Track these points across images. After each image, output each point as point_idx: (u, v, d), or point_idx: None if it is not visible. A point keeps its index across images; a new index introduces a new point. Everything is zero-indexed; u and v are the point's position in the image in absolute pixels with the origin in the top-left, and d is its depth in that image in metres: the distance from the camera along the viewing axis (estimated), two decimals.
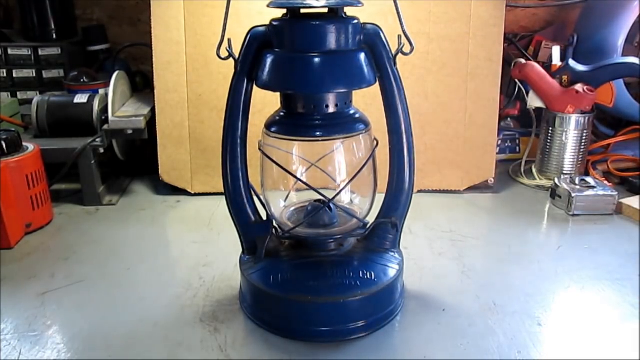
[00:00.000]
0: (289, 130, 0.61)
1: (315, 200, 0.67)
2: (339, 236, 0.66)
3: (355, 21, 0.57)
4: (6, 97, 1.13)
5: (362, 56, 0.57)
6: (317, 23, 0.55)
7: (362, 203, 0.69)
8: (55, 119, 0.96)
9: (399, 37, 0.58)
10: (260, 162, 0.65)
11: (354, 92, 0.61)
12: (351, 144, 0.64)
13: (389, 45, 0.59)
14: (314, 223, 0.66)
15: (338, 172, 0.68)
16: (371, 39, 0.58)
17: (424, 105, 0.98)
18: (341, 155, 0.66)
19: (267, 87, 0.58)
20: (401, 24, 0.57)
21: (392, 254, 0.67)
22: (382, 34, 0.58)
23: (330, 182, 0.68)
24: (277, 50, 0.57)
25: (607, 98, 1.07)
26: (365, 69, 0.57)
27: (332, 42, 0.55)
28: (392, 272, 0.64)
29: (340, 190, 0.65)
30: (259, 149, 0.63)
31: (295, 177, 0.64)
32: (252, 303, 0.65)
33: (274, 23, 0.57)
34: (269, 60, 0.57)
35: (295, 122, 0.61)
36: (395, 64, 0.59)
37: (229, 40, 0.58)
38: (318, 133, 0.60)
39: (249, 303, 0.65)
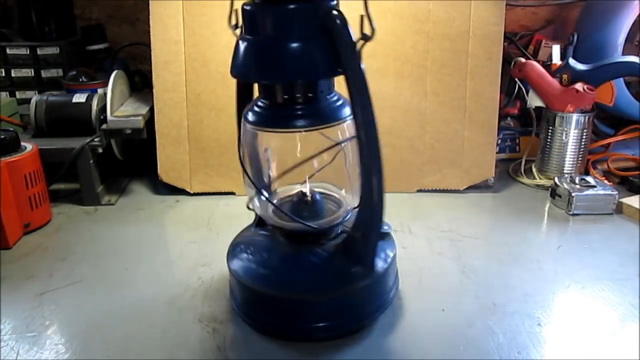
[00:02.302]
0: (266, 122, 0.59)
1: (298, 192, 0.65)
2: (320, 227, 0.63)
3: (321, 6, 0.53)
4: (5, 96, 1.13)
5: (324, 45, 0.53)
6: (291, 7, 0.52)
7: (349, 194, 0.66)
8: (54, 119, 0.96)
9: (361, 17, 0.53)
10: (242, 153, 0.63)
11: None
12: (334, 132, 0.61)
13: (352, 36, 0.53)
14: (300, 215, 0.63)
15: (318, 162, 0.65)
16: (333, 26, 0.53)
17: (423, 104, 0.97)
18: (320, 145, 0.63)
19: (234, 76, 0.57)
20: (365, 4, 0.53)
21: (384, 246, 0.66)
22: (345, 22, 0.53)
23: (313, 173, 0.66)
24: (246, 36, 0.55)
25: (607, 97, 1.07)
26: (327, 59, 0.54)
27: (293, 28, 0.53)
28: (381, 264, 0.62)
29: (312, 175, 0.62)
30: (238, 150, 0.62)
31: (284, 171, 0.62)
32: (241, 301, 0.63)
33: (246, 7, 0.55)
34: (238, 47, 0.55)
35: (272, 112, 0.58)
36: (359, 56, 0.54)
37: (237, 12, 0.57)
38: (300, 123, 0.57)
39: (236, 299, 0.64)
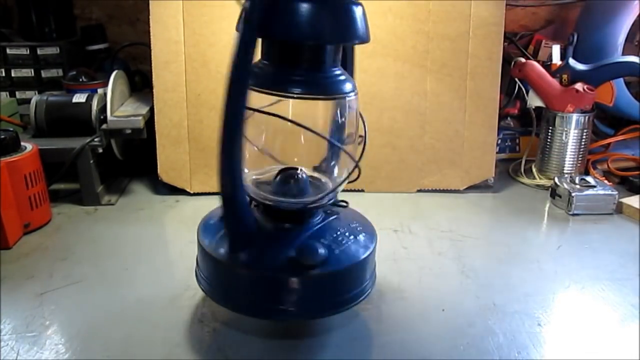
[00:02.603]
0: (264, 83, 0.54)
1: (287, 168, 0.62)
2: (301, 205, 0.61)
3: None
4: (5, 96, 1.13)
5: (359, 9, 0.52)
6: None
7: (341, 172, 0.64)
8: (54, 119, 0.96)
9: None
10: None
11: None
12: (332, 106, 0.59)
13: None
14: (285, 192, 0.61)
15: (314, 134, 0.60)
16: None
17: (423, 104, 0.97)
18: (318, 117, 0.60)
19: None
20: None
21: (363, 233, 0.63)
22: None
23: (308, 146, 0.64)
24: None
25: (607, 97, 1.07)
26: (360, 24, 0.52)
27: None
28: (364, 250, 0.60)
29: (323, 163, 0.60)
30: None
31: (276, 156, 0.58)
32: (208, 277, 0.60)
33: None
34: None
35: (274, 73, 0.55)
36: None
37: None
38: (296, 90, 0.54)
39: (205, 276, 0.60)
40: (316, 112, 0.60)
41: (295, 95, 0.55)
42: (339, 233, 0.61)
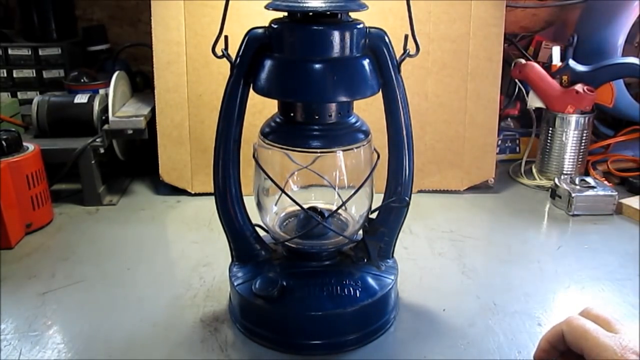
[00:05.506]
0: (285, 140, 0.58)
1: (309, 208, 0.65)
2: (331, 248, 0.64)
3: (360, 25, 0.54)
4: (6, 97, 1.13)
5: (367, 63, 0.55)
6: (320, 28, 0.53)
7: (358, 210, 0.66)
8: (56, 119, 0.96)
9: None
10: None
11: None
12: (350, 154, 0.61)
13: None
14: (307, 234, 0.63)
15: (335, 183, 0.65)
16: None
17: (423, 105, 0.98)
18: (339, 166, 0.64)
19: (265, 94, 0.56)
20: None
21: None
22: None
23: (327, 191, 0.66)
24: (276, 55, 0.55)
25: (607, 98, 1.07)
26: (370, 77, 0.55)
27: (335, 47, 0.53)
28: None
29: (335, 211, 0.63)
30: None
31: (287, 194, 0.61)
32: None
33: (274, 26, 0.54)
34: (268, 65, 0.55)
35: (292, 130, 0.58)
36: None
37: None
38: (316, 144, 0.57)
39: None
40: (335, 160, 0.63)
41: (318, 151, 0.58)
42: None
